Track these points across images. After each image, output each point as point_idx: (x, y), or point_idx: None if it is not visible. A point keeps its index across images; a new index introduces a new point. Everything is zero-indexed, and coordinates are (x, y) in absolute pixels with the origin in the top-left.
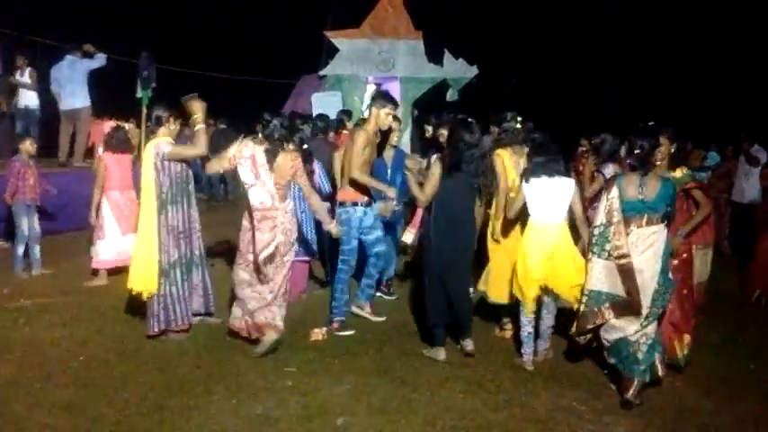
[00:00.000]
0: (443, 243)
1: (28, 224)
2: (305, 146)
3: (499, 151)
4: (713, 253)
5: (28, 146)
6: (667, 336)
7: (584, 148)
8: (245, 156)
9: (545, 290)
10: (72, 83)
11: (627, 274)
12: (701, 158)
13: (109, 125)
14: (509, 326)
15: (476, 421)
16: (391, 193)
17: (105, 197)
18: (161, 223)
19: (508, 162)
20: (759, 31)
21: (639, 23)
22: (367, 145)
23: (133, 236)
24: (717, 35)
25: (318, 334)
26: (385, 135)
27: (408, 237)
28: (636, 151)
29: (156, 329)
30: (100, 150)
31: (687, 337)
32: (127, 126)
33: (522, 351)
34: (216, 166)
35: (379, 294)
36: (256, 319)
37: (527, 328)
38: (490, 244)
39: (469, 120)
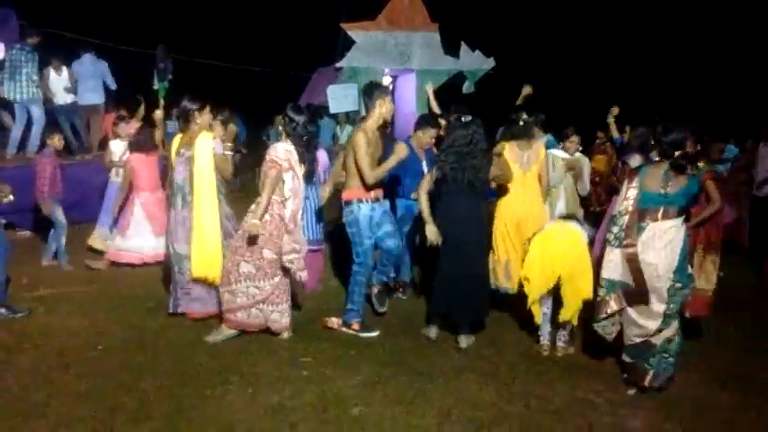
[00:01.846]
0: (455, 235)
1: (62, 216)
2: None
3: (503, 143)
4: (722, 254)
5: (56, 141)
6: None
7: (600, 141)
8: (292, 160)
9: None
10: (93, 79)
11: (633, 263)
12: (720, 151)
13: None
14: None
15: (490, 413)
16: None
17: (137, 197)
18: (221, 212)
19: (508, 154)
20: None
21: (658, 14)
22: (369, 144)
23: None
24: (735, 27)
25: (334, 323)
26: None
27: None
28: (677, 152)
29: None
30: (112, 144)
31: None
32: (158, 113)
33: (539, 333)
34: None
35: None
36: (252, 313)
37: (542, 309)
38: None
39: (464, 118)
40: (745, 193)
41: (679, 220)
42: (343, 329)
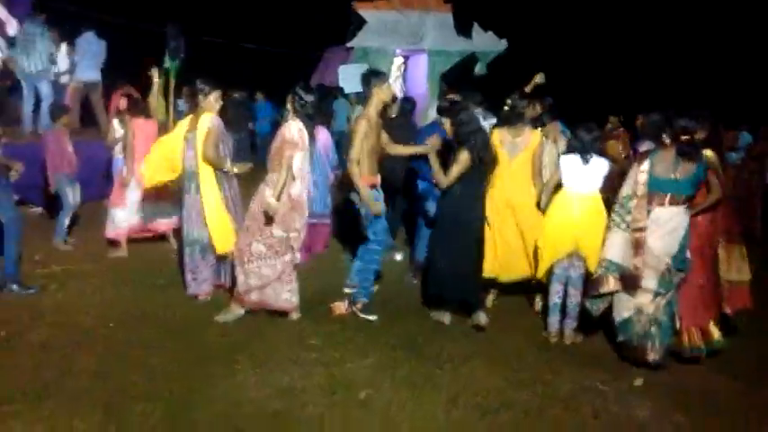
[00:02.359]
0: (453, 219)
1: (72, 195)
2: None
3: (495, 129)
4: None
5: (64, 120)
6: (684, 327)
7: (613, 126)
8: (305, 139)
9: (570, 262)
10: (94, 57)
11: (638, 248)
12: (734, 139)
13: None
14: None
15: (498, 399)
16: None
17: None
18: (225, 192)
19: (495, 139)
20: None
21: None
22: (369, 131)
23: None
24: (749, 14)
25: (341, 307)
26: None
27: None
28: (683, 137)
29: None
30: (115, 122)
31: (705, 330)
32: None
33: (548, 321)
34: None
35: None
36: (265, 293)
37: (554, 299)
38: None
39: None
40: (757, 182)
41: (683, 208)
42: (348, 309)
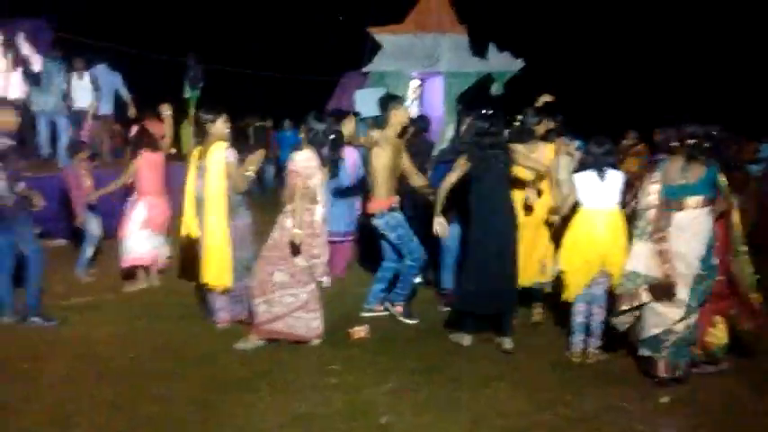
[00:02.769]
0: (485, 231)
1: (94, 227)
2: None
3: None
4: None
5: (83, 154)
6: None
7: (629, 142)
8: (312, 167)
9: (594, 280)
10: (106, 89)
11: (664, 256)
12: (754, 151)
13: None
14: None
15: (521, 421)
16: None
17: (144, 201)
18: (235, 222)
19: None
20: None
21: (691, 15)
22: (395, 154)
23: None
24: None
25: (360, 332)
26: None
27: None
28: (690, 141)
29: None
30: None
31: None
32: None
33: (571, 341)
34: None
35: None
36: (289, 323)
37: (578, 318)
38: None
39: (486, 112)
40: None
41: (705, 210)
42: (368, 333)
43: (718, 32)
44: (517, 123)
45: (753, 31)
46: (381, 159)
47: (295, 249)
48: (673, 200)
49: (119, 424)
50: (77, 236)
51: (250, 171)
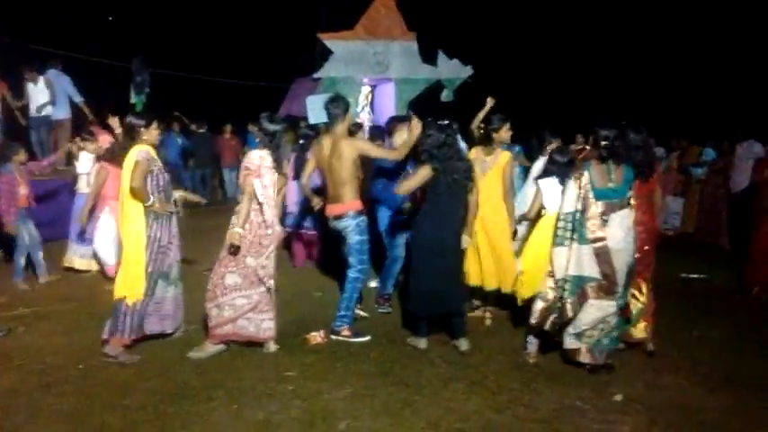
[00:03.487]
0: (432, 236)
1: (27, 231)
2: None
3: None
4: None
5: (21, 156)
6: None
7: (579, 146)
8: (263, 166)
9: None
10: (61, 93)
11: (604, 257)
12: (698, 155)
13: (106, 137)
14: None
15: (479, 422)
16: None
17: (108, 206)
18: (147, 234)
19: (472, 158)
20: (753, 27)
21: (633, 20)
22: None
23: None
24: (711, 32)
25: (316, 337)
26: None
27: None
28: (603, 143)
29: (127, 336)
30: (81, 156)
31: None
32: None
33: (528, 341)
34: (247, 186)
35: (381, 311)
36: (240, 324)
37: (532, 319)
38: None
39: (441, 122)
40: (722, 196)
41: (628, 210)
42: (332, 338)
43: (661, 37)
44: (480, 129)
45: (696, 36)
46: (369, 147)
47: (235, 249)
48: (603, 202)
49: None
50: (12, 245)
51: (155, 206)
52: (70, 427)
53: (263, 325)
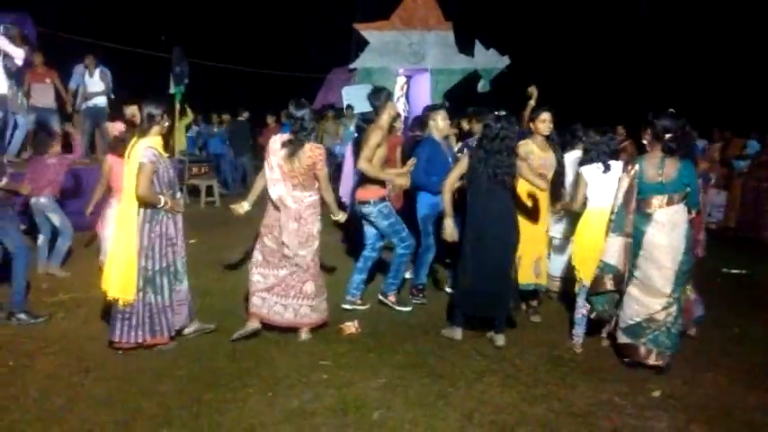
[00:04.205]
0: (479, 231)
1: (60, 219)
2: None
3: (527, 141)
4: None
5: (57, 148)
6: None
7: (620, 137)
8: (273, 148)
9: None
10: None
11: (629, 252)
12: (741, 147)
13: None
14: (535, 303)
15: (513, 415)
16: (402, 180)
17: (116, 198)
18: (151, 230)
19: (536, 153)
20: None
21: (675, 11)
22: (382, 141)
23: None
24: (754, 23)
25: (351, 327)
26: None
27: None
28: (667, 135)
29: (138, 339)
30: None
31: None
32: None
33: (574, 333)
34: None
35: (415, 301)
36: (253, 304)
37: (581, 310)
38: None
39: (498, 113)
40: (765, 190)
41: (680, 206)
42: (358, 329)
43: (708, 28)
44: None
45: (742, 29)
46: (374, 142)
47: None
48: (653, 197)
49: (107, 420)
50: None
51: (168, 205)
52: (107, 411)
53: (275, 308)
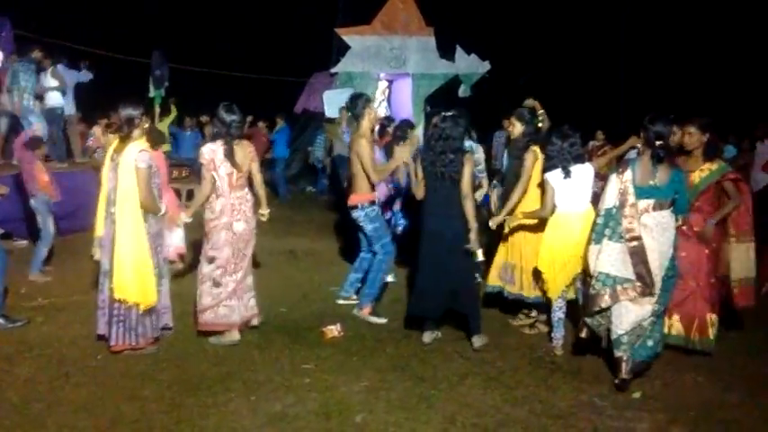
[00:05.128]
0: (432, 230)
1: (50, 224)
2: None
3: (533, 148)
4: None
5: (43, 150)
6: (694, 319)
7: (599, 143)
8: (216, 159)
9: (575, 279)
10: (67, 89)
11: (639, 256)
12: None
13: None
14: (534, 314)
15: (495, 417)
16: (403, 154)
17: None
18: (147, 231)
19: (541, 158)
20: None
21: (653, 17)
22: (371, 147)
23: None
24: (729, 28)
25: (333, 331)
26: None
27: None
28: (658, 141)
29: (132, 342)
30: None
31: (711, 322)
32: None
33: (553, 335)
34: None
35: None
36: (220, 314)
37: (558, 314)
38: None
39: (445, 114)
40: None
41: (668, 211)
42: (341, 332)
43: (680, 33)
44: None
45: (720, 35)
46: (368, 152)
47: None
48: (643, 201)
49: (87, 425)
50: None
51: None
52: (88, 416)
53: (250, 303)
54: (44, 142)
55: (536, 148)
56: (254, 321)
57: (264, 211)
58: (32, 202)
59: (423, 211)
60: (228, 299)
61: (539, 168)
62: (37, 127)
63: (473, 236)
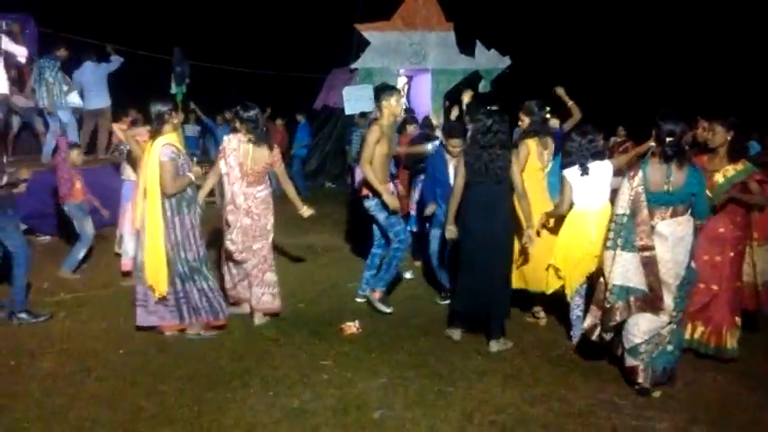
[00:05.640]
0: (477, 229)
1: (88, 226)
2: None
3: (527, 141)
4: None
5: (74, 156)
6: (719, 325)
7: (620, 139)
8: (228, 148)
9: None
10: (96, 85)
11: (650, 267)
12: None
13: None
14: (542, 313)
15: (513, 415)
16: (389, 199)
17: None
18: (181, 222)
19: (534, 151)
20: None
21: (679, 11)
22: (381, 139)
23: None
24: (755, 23)
25: (352, 327)
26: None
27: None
28: (668, 139)
29: (203, 320)
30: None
31: (736, 327)
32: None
33: (572, 333)
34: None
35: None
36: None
37: (576, 312)
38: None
39: (490, 109)
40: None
41: (685, 217)
42: (359, 329)
43: (710, 28)
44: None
45: (743, 29)
46: (373, 140)
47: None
48: (657, 208)
49: (107, 419)
50: (64, 231)
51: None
52: (109, 410)
53: (263, 298)
54: (78, 146)
55: (530, 141)
56: (245, 309)
57: (305, 211)
58: (65, 207)
59: (464, 210)
60: (233, 287)
61: (533, 162)
62: (67, 120)
63: (531, 233)
